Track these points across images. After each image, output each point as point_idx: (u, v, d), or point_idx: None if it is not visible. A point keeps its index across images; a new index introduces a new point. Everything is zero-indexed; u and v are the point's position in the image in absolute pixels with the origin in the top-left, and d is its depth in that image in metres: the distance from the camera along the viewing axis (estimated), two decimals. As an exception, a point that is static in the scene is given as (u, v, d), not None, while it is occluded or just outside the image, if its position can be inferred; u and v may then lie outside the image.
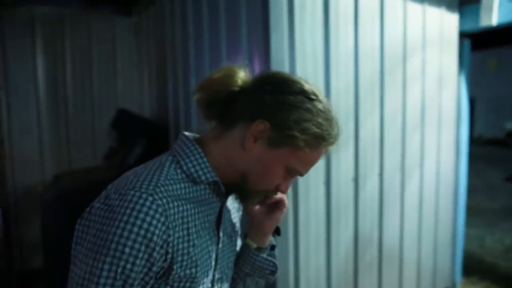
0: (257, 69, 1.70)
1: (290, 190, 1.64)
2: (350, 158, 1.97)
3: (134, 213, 0.60)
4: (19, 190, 3.24)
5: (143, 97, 3.59)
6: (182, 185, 0.70)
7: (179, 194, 0.68)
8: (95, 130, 3.47)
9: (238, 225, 0.89)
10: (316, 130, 0.69)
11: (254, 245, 0.86)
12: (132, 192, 0.62)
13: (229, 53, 1.96)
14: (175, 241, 0.65)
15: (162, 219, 0.62)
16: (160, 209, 0.62)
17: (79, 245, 0.64)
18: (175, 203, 0.66)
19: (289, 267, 1.74)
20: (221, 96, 0.73)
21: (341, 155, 1.91)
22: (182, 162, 0.72)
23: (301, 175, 0.76)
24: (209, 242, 0.74)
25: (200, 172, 0.72)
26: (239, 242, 0.89)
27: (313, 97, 0.71)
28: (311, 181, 1.80)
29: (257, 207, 0.83)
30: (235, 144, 0.73)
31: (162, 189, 0.65)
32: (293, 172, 0.74)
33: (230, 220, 0.85)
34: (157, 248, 0.62)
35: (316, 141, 0.70)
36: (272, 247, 0.90)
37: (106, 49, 3.52)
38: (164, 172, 0.69)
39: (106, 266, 0.59)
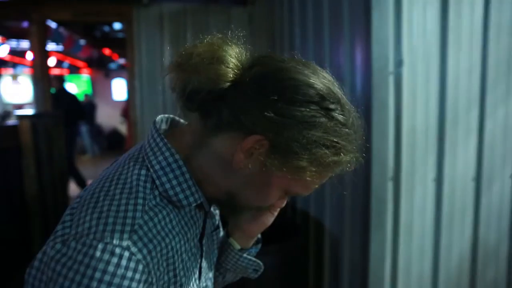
0: (358, 51, 1.56)
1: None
2: (471, 154, 1.66)
3: (107, 278, 0.45)
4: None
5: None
6: (163, 213, 0.56)
7: (161, 229, 0.54)
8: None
9: (217, 217, 0.79)
10: (332, 157, 0.52)
11: (238, 246, 0.75)
12: (100, 246, 0.46)
13: (331, 35, 1.85)
14: (159, 283, 0.53)
15: (144, 277, 0.49)
16: (140, 266, 0.48)
17: None
18: (158, 247, 0.52)
19: (385, 271, 1.58)
20: (204, 89, 0.54)
21: (459, 150, 1.63)
22: (158, 182, 0.56)
23: (303, 195, 0.64)
24: (193, 264, 0.63)
25: (181, 196, 0.57)
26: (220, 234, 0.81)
27: (332, 106, 0.53)
28: (418, 176, 1.58)
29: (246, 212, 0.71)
30: (219, 157, 0.57)
31: (140, 232, 0.50)
32: (293, 193, 0.61)
33: (211, 224, 0.75)
34: None
35: (329, 168, 0.54)
36: (257, 241, 0.80)
37: (223, 39, 3.71)
38: (139, 200, 0.53)
39: None
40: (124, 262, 0.46)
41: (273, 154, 0.52)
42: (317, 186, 0.59)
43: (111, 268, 0.45)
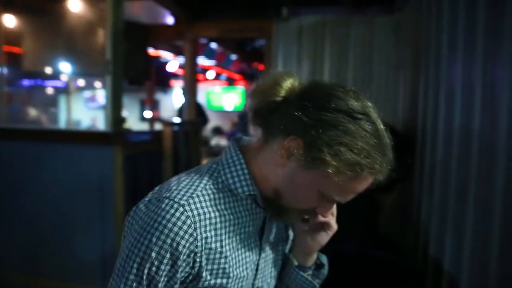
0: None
1: None
2: None
3: (164, 222, 0.63)
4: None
5: (397, 101, 3.28)
6: (220, 195, 0.70)
7: (215, 205, 0.68)
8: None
9: (288, 233, 0.86)
10: (352, 155, 0.60)
11: (296, 262, 0.83)
12: (167, 201, 0.65)
13: (487, 45, 1.40)
14: (205, 252, 0.66)
15: (190, 230, 0.64)
16: (188, 221, 0.64)
17: (123, 239, 0.70)
18: (208, 215, 0.66)
19: None
20: (264, 104, 0.68)
21: None
22: (222, 172, 0.72)
23: (340, 202, 0.69)
24: (247, 254, 0.74)
25: (238, 185, 0.70)
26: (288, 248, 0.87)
27: (360, 116, 0.62)
28: None
29: (303, 226, 0.80)
30: (271, 158, 0.69)
31: (196, 199, 0.66)
32: (328, 198, 0.67)
33: (278, 229, 0.82)
34: (182, 257, 0.64)
35: (352, 168, 0.61)
36: (319, 266, 0.86)
37: (363, 50, 3.43)
38: (203, 182, 0.70)
39: (135, 265, 0.63)
40: (177, 214, 0.63)
41: (305, 152, 0.63)
42: (352, 192, 0.66)
43: (167, 216, 0.63)
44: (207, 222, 0.66)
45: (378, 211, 2.29)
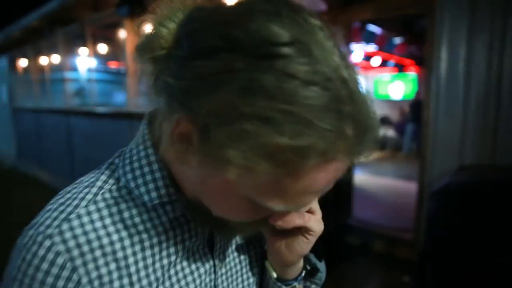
0: None
1: None
2: None
3: (24, 266, 0.41)
4: (435, 171, 3.28)
5: None
6: (122, 206, 0.46)
7: (112, 223, 0.45)
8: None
9: (258, 237, 0.60)
10: (276, 137, 0.32)
11: (274, 274, 0.57)
12: (29, 233, 0.42)
13: None
14: None
15: (65, 273, 0.40)
16: (60, 259, 0.40)
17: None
18: (96, 243, 0.43)
19: None
20: (148, 65, 0.42)
21: None
22: (121, 171, 0.47)
23: (292, 210, 0.43)
24: (191, 277, 0.50)
25: (143, 189, 0.46)
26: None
27: (282, 50, 0.32)
28: None
29: (271, 232, 0.52)
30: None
31: (75, 222, 0.42)
32: (266, 208, 0.39)
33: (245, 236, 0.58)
34: None
35: (267, 158, 0.33)
36: (312, 272, 0.60)
37: None
38: (95, 189, 0.46)
39: None
40: (41, 252, 0.41)
41: (201, 140, 0.37)
42: (305, 195, 0.38)
43: (27, 255, 0.41)
44: (98, 253, 0.43)
45: None
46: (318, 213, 0.53)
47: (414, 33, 5.83)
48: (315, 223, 0.51)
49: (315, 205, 0.53)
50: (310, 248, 0.53)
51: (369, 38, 4.61)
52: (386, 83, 10.13)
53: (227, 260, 0.56)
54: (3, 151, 8.62)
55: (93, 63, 5.71)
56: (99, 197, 0.46)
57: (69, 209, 0.44)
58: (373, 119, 0.37)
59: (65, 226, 0.42)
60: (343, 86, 0.35)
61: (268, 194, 0.38)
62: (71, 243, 0.42)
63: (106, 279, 0.43)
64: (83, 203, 0.45)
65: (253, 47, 0.34)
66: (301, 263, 0.58)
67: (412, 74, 9.62)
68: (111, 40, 5.47)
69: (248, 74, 0.33)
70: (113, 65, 7.34)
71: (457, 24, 2.97)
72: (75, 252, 0.41)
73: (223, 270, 0.55)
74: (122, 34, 4.63)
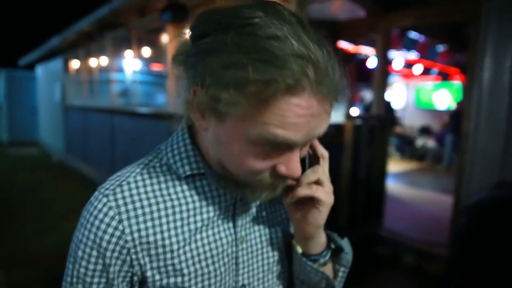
0: None
1: None
2: None
3: (87, 216, 0.56)
4: (473, 185, 3.15)
5: None
6: (162, 178, 0.59)
7: (152, 191, 0.58)
8: None
9: (283, 218, 0.70)
10: (235, 74, 0.45)
11: (299, 250, 0.65)
12: (95, 194, 0.58)
13: None
14: (141, 247, 0.56)
15: (114, 223, 0.55)
16: (111, 212, 0.55)
17: None
18: (139, 204, 0.56)
19: None
20: (180, 67, 0.55)
21: None
22: (164, 152, 0.62)
23: (286, 144, 0.49)
24: (212, 245, 0.60)
25: (179, 164, 0.59)
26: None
27: (254, 20, 0.46)
28: None
29: (292, 206, 0.61)
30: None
31: (125, 187, 0.57)
32: (265, 142, 0.48)
33: (269, 213, 0.68)
34: (110, 254, 0.55)
35: (246, 90, 0.45)
36: (336, 251, 0.67)
37: None
38: (141, 166, 0.60)
39: (70, 266, 0.58)
40: (99, 206, 0.55)
41: (207, 98, 0.49)
42: (287, 122, 0.47)
43: (91, 209, 0.56)
44: (139, 212, 0.56)
45: None
46: (327, 185, 0.60)
47: (458, 41, 5.60)
48: (323, 193, 0.59)
49: (323, 178, 0.60)
50: (324, 219, 0.61)
51: (410, 45, 4.49)
52: (429, 92, 9.77)
53: (248, 237, 0.64)
54: (54, 145, 9.25)
55: (137, 65, 5.99)
56: (145, 171, 0.60)
57: (123, 178, 0.59)
58: (332, 70, 0.48)
59: (118, 189, 0.57)
60: (307, 42, 0.46)
61: (258, 125, 0.47)
62: (120, 202, 0.56)
63: (143, 233, 0.56)
64: (133, 174, 0.59)
65: (235, 23, 0.47)
66: (323, 238, 0.66)
67: (457, 83, 9.22)
68: (154, 43, 5.73)
69: (226, 42, 0.46)
70: (156, 67, 7.66)
71: (503, 32, 2.85)
72: (123, 208, 0.55)
73: (244, 245, 0.64)
74: (164, 38, 4.85)
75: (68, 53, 8.06)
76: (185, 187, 0.60)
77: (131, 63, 5.70)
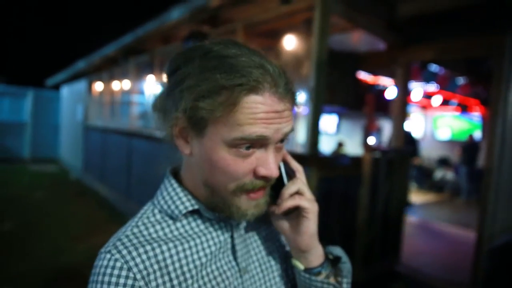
0: None
1: None
2: None
3: (96, 277, 0.57)
4: (497, 224, 3.02)
5: None
6: (158, 226, 0.62)
7: (155, 237, 0.61)
8: None
9: (280, 243, 0.74)
10: (211, 85, 0.54)
11: (301, 266, 0.67)
12: (97, 257, 0.59)
13: None
14: None
15: (124, 272, 0.56)
16: (118, 263, 0.56)
17: None
18: (143, 249, 0.58)
19: None
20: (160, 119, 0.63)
21: None
22: (156, 201, 0.66)
23: (259, 140, 0.56)
24: (218, 279, 0.62)
25: (173, 206, 0.63)
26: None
27: (208, 50, 0.57)
28: None
29: (283, 222, 0.67)
30: (185, 158, 0.65)
31: (125, 240, 0.59)
32: (240, 142, 0.56)
33: (265, 240, 0.72)
34: None
35: (219, 97, 0.54)
36: (335, 260, 0.70)
37: None
38: (136, 219, 0.64)
39: None
40: (105, 262, 0.57)
41: (187, 120, 0.57)
42: (256, 122, 0.55)
43: (97, 270, 0.57)
44: (144, 257, 0.58)
45: None
46: (308, 194, 0.66)
47: (479, 74, 5.55)
48: (306, 202, 0.64)
49: (303, 188, 0.65)
50: (315, 226, 0.66)
51: (430, 77, 4.47)
52: (447, 123, 9.63)
53: (249, 267, 0.67)
54: (73, 163, 9.42)
55: (158, 89, 6.10)
56: (140, 222, 0.63)
57: (119, 234, 0.61)
58: (283, 77, 0.57)
59: (118, 243, 0.59)
60: (260, 58, 0.56)
61: (232, 127, 0.55)
62: (124, 252, 0.57)
63: (152, 276, 0.57)
64: (129, 228, 0.62)
65: (198, 54, 0.57)
66: (320, 249, 0.69)
67: (476, 114, 9.07)
68: (176, 69, 5.85)
69: (197, 67, 0.56)
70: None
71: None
72: (128, 257, 0.57)
73: (247, 276, 0.66)
74: (186, 64, 4.95)
75: (92, 76, 8.34)
76: (183, 227, 0.63)
77: (152, 86, 5.84)
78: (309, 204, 0.64)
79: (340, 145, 7.80)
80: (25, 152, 11.20)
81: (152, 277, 0.57)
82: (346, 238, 3.15)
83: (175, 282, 0.58)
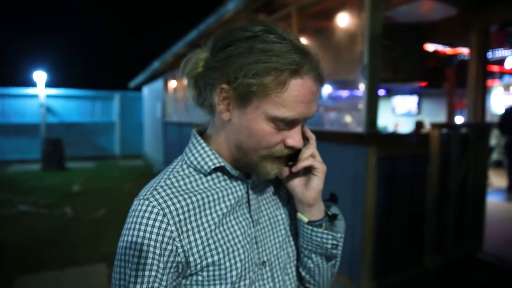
0: None
1: None
2: None
3: (134, 219, 0.66)
4: None
5: None
6: (187, 180, 0.72)
7: (185, 189, 0.70)
8: None
9: (285, 202, 0.86)
10: (264, 65, 0.62)
11: (305, 219, 0.79)
12: (135, 202, 0.68)
13: None
14: (183, 235, 0.66)
15: (159, 217, 0.65)
16: (155, 209, 0.65)
17: None
18: (176, 199, 0.67)
19: None
20: (194, 84, 0.72)
21: None
22: (186, 157, 0.75)
23: (296, 120, 0.67)
24: (236, 227, 0.73)
25: (202, 162, 0.72)
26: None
27: (258, 33, 0.64)
28: None
29: (294, 180, 0.77)
30: (219, 122, 0.72)
31: (160, 190, 0.68)
32: (281, 120, 0.66)
33: (273, 198, 0.83)
34: (158, 245, 0.64)
35: (272, 76, 0.62)
36: (332, 217, 0.81)
37: None
38: (168, 172, 0.73)
39: (119, 269, 0.66)
40: (143, 208, 0.66)
41: (233, 91, 0.65)
42: (296, 101, 0.64)
43: (134, 213, 0.67)
44: (177, 205, 0.67)
45: None
46: (319, 157, 0.76)
47: None
48: (318, 163, 0.75)
49: (316, 152, 0.76)
50: (322, 184, 0.76)
51: (515, 42, 3.90)
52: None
53: (260, 219, 0.79)
54: (155, 157, 10.26)
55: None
56: (172, 175, 0.72)
57: (154, 184, 0.70)
58: (318, 60, 0.67)
59: (154, 192, 0.68)
60: (298, 42, 0.66)
61: (278, 106, 0.64)
62: (160, 200, 0.66)
63: (183, 223, 0.67)
64: (162, 179, 0.71)
65: (248, 36, 0.65)
66: (322, 205, 0.80)
67: None
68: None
69: (248, 47, 0.63)
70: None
71: None
72: (164, 205, 0.66)
73: (258, 227, 0.78)
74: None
75: (167, 74, 8.94)
76: (208, 181, 0.73)
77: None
78: (320, 165, 0.76)
79: (419, 125, 7.24)
80: (115, 149, 12.52)
81: (183, 223, 0.67)
82: (415, 219, 2.95)
83: (201, 228, 0.68)
